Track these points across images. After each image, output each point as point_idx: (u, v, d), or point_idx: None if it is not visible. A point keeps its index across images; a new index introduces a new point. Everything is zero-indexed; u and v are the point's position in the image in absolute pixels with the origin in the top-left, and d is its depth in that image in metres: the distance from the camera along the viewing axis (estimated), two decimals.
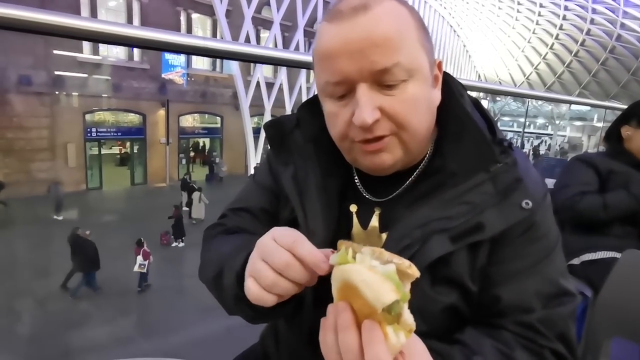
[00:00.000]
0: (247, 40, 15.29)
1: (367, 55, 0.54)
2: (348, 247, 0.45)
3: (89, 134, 15.44)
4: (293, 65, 1.35)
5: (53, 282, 8.46)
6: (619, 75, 31.45)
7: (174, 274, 9.54)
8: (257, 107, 16.55)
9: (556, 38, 32.77)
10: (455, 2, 35.25)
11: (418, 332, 0.45)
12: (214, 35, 18.81)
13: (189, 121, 18.76)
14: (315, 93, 0.66)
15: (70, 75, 14.23)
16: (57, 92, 14.11)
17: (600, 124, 15.99)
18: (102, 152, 16.38)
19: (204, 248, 0.74)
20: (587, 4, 28.25)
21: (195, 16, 18.34)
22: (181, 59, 16.89)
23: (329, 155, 0.67)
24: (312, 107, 0.69)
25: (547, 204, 0.62)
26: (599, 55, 31.24)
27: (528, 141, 33.68)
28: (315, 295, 0.64)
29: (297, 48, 18.11)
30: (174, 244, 11.00)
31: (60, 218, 12.24)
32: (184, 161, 18.71)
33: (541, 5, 30.98)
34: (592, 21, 29.36)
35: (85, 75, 14.62)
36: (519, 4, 31.90)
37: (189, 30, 18.13)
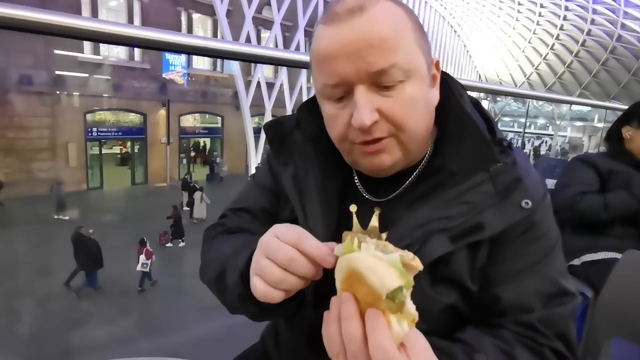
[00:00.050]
0: (248, 40, 15.26)
1: (363, 56, 0.54)
2: (353, 237, 0.45)
3: (89, 134, 15.47)
4: (293, 65, 1.35)
5: (54, 281, 8.48)
6: (619, 76, 31.41)
7: (173, 273, 9.56)
8: (257, 107, 16.55)
9: (557, 38, 32.73)
10: (455, 3, 35.21)
11: None
12: (215, 35, 18.83)
13: (189, 121, 18.78)
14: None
15: (71, 75, 14.25)
16: (58, 92, 14.14)
17: (600, 125, 15.98)
18: (102, 152, 16.40)
19: (204, 248, 0.74)
20: (587, 4, 28.22)
21: (196, 16, 18.36)
22: (182, 59, 16.90)
23: (328, 155, 0.67)
24: (312, 108, 0.69)
25: (546, 204, 0.63)
26: (600, 56, 31.20)
27: (529, 141, 33.62)
28: (316, 294, 0.64)
29: (297, 48, 18.10)
30: (169, 244, 10.99)
31: (63, 217, 12.25)
32: (184, 161, 18.73)
33: (542, 6, 30.94)
34: (592, 21, 29.32)
35: (86, 75, 14.64)
36: (519, 4, 31.86)
37: (190, 30, 18.14)
